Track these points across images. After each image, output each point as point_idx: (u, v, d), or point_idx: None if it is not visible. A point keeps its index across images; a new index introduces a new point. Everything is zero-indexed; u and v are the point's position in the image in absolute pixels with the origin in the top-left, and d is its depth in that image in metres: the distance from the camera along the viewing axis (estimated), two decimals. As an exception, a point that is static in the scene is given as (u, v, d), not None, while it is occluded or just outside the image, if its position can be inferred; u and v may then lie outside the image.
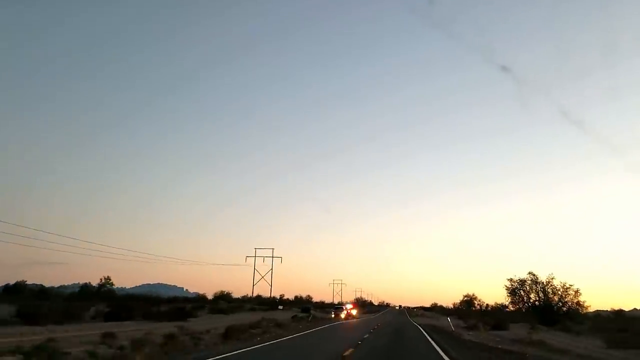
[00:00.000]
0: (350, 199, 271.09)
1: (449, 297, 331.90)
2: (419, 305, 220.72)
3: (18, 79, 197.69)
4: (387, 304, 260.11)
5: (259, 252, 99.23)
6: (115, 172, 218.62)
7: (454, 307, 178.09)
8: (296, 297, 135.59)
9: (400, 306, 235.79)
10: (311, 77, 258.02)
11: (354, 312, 71.90)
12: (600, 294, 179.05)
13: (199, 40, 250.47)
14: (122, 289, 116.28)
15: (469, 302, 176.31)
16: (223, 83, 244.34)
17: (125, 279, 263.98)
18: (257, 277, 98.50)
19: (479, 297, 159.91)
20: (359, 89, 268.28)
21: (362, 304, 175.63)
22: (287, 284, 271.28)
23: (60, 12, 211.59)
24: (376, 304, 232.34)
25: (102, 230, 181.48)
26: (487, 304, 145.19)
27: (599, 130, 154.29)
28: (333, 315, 61.39)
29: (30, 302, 41.99)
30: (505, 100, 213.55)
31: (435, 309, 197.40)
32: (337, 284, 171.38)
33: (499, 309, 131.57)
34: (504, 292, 57.99)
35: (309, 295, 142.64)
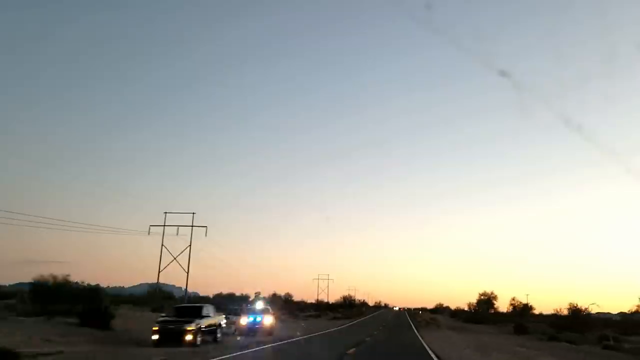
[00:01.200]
0: (351, 202, 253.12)
1: (452, 299, 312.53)
2: (420, 307, 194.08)
3: (17, 77, 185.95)
4: (385, 304, 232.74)
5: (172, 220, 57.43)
6: (117, 172, 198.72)
7: (470, 308, 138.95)
8: (274, 294, 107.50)
9: (399, 308, 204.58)
10: (312, 82, 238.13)
11: (267, 321, 27.46)
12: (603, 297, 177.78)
13: (199, 43, 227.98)
14: (122, 288, 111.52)
15: (487, 301, 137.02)
16: (222, 87, 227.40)
17: (125, 278, 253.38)
18: (172, 258, 57.07)
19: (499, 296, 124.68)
20: (360, 94, 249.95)
21: (348, 304, 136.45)
22: (276, 282, 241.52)
23: (62, 14, 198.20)
24: (371, 304, 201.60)
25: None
26: (522, 304, 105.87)
27: (600, 137, 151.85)
28: (155, 338, 18.55)
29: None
30: (506, 107, 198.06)
31: (443, 310, 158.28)
32: (323, 279, 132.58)
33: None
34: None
35: (287, 293, 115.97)
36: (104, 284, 77.15)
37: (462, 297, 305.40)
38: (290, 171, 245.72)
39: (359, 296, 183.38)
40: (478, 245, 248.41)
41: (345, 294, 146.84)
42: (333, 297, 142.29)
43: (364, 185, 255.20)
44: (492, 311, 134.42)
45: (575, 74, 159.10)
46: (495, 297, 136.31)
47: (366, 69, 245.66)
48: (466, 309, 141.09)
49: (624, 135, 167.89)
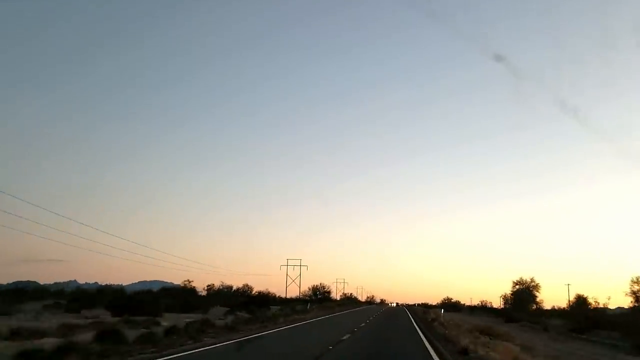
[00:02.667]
0: (351, 197, 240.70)
1: (456, 294, 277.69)
2: (421, 302, 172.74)
3: (15, 74, 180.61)
4: (382, 300, 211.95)
5: None
6: (113, 168, 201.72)
7: (505, 300, 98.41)
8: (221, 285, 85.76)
9: (397, 304, 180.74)
10: (312, 74, 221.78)
11: None
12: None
13: (196, 35, 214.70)
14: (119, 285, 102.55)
15: (526, 292, 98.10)
16: (223, 79, 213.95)
17: (122, 276, 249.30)
18: None
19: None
20: (361, 86, 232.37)
21: (320, 297, 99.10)
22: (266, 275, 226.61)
23: (57, 7, 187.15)
24: (362, 299, 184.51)
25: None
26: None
27: (599, 123, 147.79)
28: None
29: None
30: (507, 98, 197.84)
31: (456, 307, 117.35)
32: (294, 265, 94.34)
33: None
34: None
35: (246, 284, 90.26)
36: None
37: (465, 291, 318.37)
38: (289, 165, 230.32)
39: (349, 290, 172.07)
40: (479, 239, 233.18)
41: (325, 283, 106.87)
42: (304, 286, 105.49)
43: (362, 179, 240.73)
44: (535, 306, 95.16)
45: (572, 58, 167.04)
46: (537, 287, 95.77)
47: (369, 60, 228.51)
48: (492, 302, 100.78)
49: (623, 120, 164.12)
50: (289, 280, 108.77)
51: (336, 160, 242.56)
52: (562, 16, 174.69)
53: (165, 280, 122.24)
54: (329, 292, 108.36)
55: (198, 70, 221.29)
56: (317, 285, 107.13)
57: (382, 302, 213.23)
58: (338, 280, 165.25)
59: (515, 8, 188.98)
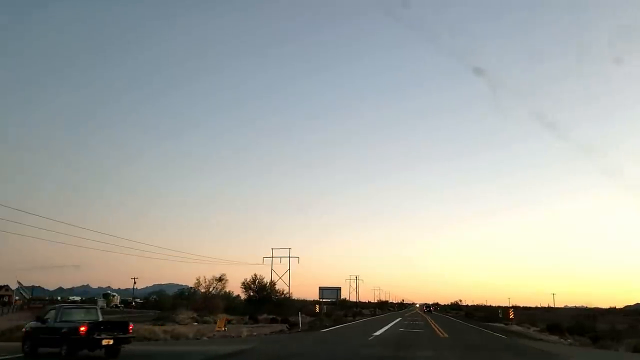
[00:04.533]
0: (371, 202, 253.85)
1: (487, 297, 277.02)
2: (447, 303, 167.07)
3: (19, 81, 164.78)
4: (402, 301, 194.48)
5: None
6: (124, 172, 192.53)
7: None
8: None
9: (426, 307, 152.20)
10: (320, 83, 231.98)
11: None
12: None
13: (201, 43, 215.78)
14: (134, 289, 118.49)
15: None
16: (226, 88, 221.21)
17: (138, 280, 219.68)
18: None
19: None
20: (359, 95, 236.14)
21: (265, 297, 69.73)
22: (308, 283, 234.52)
23: (62, 12, 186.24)
24: (374, 301, 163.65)
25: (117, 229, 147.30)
26: None
27: (579, 136, 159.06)
28: None
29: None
30: (491, 112, 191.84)
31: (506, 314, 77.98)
32: (281, 257, 78.59)
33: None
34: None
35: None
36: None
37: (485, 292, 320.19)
38: (298, 172, 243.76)
39: (363, 290, 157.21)
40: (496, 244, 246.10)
41: (262, 275, 71.34)
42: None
43: (387, 185, 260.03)
44: None
45: (550, 71, 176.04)
46: None
47: (369, 73, 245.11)
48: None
49: (599, 132, 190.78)
50: (276, 277, 74.30)
51: (337, 166, 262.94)
52: (540, 33, 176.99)
53: (180, 283, 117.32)
54: (280, 293, 67.65)
55: (202, 77, 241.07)
56: (254, 278, 66.28)
57: (402, 303, 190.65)
58: (351, 277, 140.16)
59: (496, 25, 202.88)
